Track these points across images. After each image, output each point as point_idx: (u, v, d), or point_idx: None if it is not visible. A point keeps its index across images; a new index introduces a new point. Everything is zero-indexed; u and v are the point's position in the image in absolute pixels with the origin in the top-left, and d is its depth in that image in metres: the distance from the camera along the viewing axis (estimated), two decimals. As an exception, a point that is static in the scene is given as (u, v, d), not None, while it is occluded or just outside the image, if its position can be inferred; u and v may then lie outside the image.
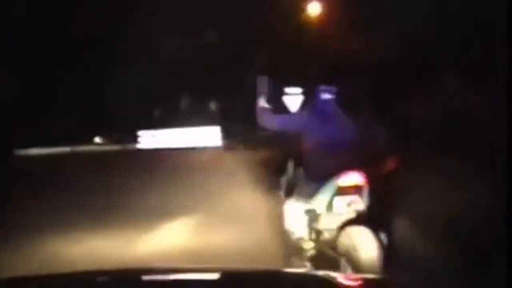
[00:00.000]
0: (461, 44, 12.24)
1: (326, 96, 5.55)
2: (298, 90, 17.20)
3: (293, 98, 17.44)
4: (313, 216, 5.33)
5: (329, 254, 5.26)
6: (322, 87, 5.58)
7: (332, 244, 5.22)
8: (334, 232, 5.22)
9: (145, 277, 2.50)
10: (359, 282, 2.65)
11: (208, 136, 27.07)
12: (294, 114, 6.19)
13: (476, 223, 5.60)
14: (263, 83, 5.72)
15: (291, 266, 5.24)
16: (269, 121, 5.62)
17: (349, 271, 4.92)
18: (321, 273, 3.02)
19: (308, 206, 5.34)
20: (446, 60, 12.73)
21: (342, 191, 5.16)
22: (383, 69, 14.88)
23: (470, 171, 6.66)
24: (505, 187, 4.94)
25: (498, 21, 5.87)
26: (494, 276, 4.57)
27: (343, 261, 5.08)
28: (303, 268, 5.11)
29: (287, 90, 17.65)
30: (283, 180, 5.82)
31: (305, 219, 5.39)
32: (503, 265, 4.53)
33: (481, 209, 5.64)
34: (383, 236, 5.05)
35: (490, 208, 5.45)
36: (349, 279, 2.85)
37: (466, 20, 11.90)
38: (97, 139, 32.85)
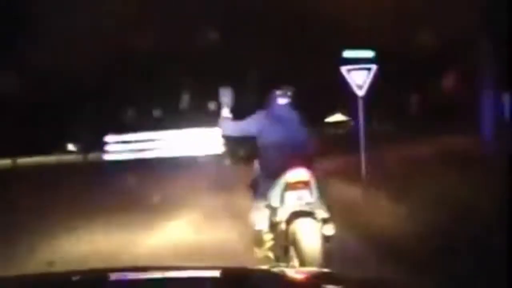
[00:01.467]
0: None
1: (280, 99, 6.09)
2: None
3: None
4: (271, 210, 5.82)
5: (284, 245, 5.70)
6: (278, 92, 6.11)
7: (285, 235, 5.68)
8: (285, 225, 5.68)
9: (115, 277, 2.59)
10: (306, 276, 2.82)
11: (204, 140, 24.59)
12: (251, 118, 6.10)
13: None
14: (226, 94, 6.29)
15: (253, 257, 5.90)
16: (229, 128, 6.23)
17: (296, 261, 5.45)
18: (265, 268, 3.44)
19: (268, 201, 5.85)
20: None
21: (291, 186, 5.67)
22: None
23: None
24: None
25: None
26: None
27: (292, 252, 5.56)
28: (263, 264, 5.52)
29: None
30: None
31: (265, 213, 5.89)
32: None
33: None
34: (329, 228, 5.56)
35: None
36: (297, 274, 3.00)
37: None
38: (70, 146, 32.48)
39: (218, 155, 22.26)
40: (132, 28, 22.35)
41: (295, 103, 6.11)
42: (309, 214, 5.55)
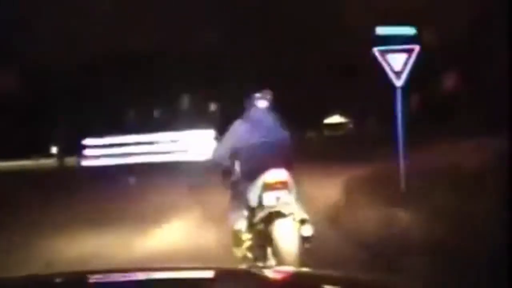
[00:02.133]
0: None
1: (259, 103, 6.16)
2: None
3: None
4: (249, 210, 5.89)
5: (262, 245, 5.81)
6: (257, 95, 6.19)
7: (263, 235, 5.81)
8: (263, 225, 5.81)
9: (97, 279, 2.65)
10: (283, 275, 2.86)
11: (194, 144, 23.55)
12: (229, 132, 6.13)
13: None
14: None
15: (231, 257, 5.93)
16: (218, 156, 6.15)
17: (273, 261, 5.56)
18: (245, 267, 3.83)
19: (247, 201, 5.94)
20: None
21: (269, 186, 5.73)
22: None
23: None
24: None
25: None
26: None
27: (269, 252, 5.68)
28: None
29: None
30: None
31: (244, 213, 5.95)
32: None
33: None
34: (308, 229, 5.62)
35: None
36: (276, 273, 3.02)
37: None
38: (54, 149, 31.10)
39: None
40: (120, 28, 22.43)
41: (274, 106, 6.21)
42: (287, 214, 5.65)
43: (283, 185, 5.66)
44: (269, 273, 2.86)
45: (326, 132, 39.07)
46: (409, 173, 9.50)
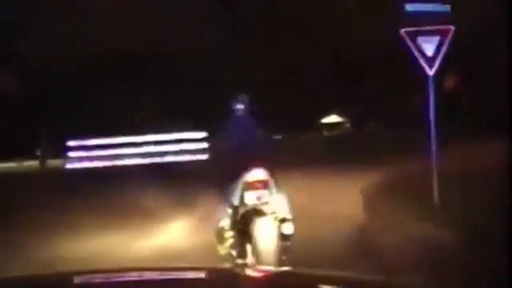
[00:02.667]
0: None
1: (237, 107, 6.41)
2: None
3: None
4: (232, 209, 6.07)
5: (242, 243, 5.97)
6: (235, 100, 6.45)
7: (243, 233, 5.99)
8: (244, 223, 5.99)
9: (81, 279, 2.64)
10: (263, 274, 2.90)
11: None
12: (219, 136, 6.66)
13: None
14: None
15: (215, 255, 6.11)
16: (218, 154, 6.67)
17: (252, 259, 5.75)
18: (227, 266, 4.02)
19: (230, 200, 6.13)
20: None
21: (250, 186, 5.93)
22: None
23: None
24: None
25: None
26: None
27: (249, 249, 5.86)
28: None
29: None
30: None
31: (228, 211, 6.14)
32: None
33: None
34: (288, 227, 5.77)
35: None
36: (256, 272, 3.13)
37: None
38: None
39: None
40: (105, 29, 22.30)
41: (252, 109, 6.39)
42: (267, 213, 5.82)
43: (264, 184, 5.89)
44: (245, 273, 2.89)
45: (325, 132, 38.14)
46: (442, 181, 7.96)
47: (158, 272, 2.72)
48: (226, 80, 22.66)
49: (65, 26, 21.90)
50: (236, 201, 5.94)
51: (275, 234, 5.67)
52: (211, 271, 2.76)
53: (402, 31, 8.02)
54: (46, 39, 22.19)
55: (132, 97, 25.49)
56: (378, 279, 2.64)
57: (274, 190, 5.85)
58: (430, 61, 7.95)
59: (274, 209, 5.73)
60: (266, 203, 5.78)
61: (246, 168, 5.88)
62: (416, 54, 7.98)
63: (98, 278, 2.61)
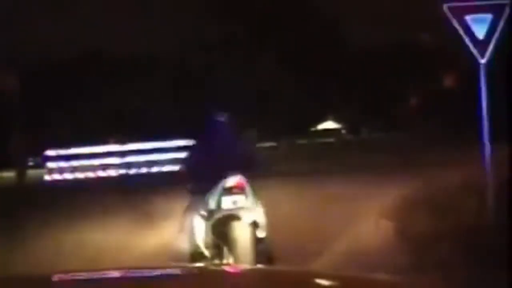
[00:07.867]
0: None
1: (216, 117, 6.79)
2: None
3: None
4: (208, 212, 6.34)
5: (218, 244, 6.27)
6: (214, 110, 6.89)
7: (219, 235, 6.29)
8: (220, 226, 6.29)
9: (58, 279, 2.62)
10: (240, 272, 2.95)
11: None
12: (195, 148, 7.24)
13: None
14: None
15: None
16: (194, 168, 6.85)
17: (230, 260, 6.07)
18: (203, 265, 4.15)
19: (207, 204, 6.39)
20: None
21: (228, 191, 6.25)
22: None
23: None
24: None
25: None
26: None
27: (226, 251, 6.20)
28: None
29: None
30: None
31: (203, 213, 6.40)
32: None
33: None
34: (261, 231, 6.15)
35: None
36: (233, 270, 3.23)
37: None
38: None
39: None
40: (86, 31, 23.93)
41: (230, 119, 6.70)
42: (242, 217, 6.11)
43: (241, 190, 6.23)
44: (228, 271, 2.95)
45: (316, 139, 37.71)
46: (497, 190, 6.66)
47: (140, 270, 2.75)
48: (212, 87, 22.76)
49: (39, 33, 22.19)
50: (212, 205, 6.28)
51: (250, 237, 6.05)
52: (191, 269, 2.93)
53: (445, 6, 6.75)
54: (19, 46, 22.33)
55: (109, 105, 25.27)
56: (379, 279, 2.55)
57: (250, 195, 6.21)
58: (481, 45, 6.74)
59: (248, 213, 6.08)
60: (242, 207, 6.16)
61: (224, 175, 6.22)
62: (464, 35, 6.70)
63: (81, 277, 2.60)
